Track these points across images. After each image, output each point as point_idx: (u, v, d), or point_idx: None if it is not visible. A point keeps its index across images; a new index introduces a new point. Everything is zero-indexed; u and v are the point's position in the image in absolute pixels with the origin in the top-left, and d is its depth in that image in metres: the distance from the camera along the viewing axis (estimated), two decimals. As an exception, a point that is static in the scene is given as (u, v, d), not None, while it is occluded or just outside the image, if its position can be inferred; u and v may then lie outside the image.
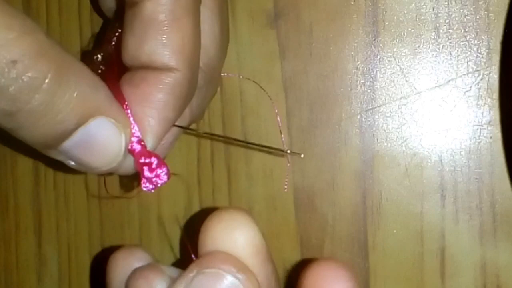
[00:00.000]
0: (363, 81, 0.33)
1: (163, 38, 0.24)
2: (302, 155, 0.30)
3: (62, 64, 0.21)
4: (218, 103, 0.34)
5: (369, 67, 0.33)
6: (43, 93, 0.21)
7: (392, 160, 0.33)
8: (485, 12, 0.31)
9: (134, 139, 0.24)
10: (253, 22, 0.34)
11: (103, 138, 0.23)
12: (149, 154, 0.24)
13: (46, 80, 0.20)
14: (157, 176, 0.25)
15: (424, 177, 0.32)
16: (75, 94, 0.21)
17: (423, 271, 0.32)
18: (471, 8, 0.32)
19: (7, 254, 0.38)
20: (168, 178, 0.25)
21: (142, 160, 0.24)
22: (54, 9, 0.36)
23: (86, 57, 0.27)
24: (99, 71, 0.27)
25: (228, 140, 0.34)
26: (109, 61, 0.27)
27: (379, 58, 0.33)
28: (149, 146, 0.24)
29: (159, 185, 0.25)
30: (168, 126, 0.25)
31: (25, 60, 0.20)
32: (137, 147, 0.24)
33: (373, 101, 0.33)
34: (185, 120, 0.27)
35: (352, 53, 0.33)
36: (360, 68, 0.33)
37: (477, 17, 0.32)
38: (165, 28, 0.24)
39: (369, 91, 0.33)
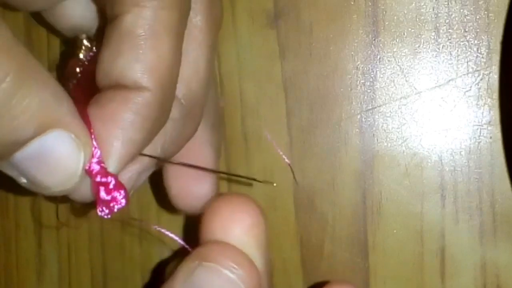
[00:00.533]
0: (363, 81, 0.33)
1: (138, 53, 0.22)
2: (275, 184, 0.29)
3: (25, 66, 0.19)
4: (218, 103, 0.34)
5: (369, 67, 0.33)
6: (0, 93, 0.19)
7: (392, 160, 0.33)
8: (485, 12, 0.31)
9: (94, 160, 0.22)
10: (253, 22, 0.34)
11: (60, 153, 0.21)
12: (106, 174, 0.22)
13: (6, 79, 0.19)
14: (114, 199, 0.23)
15: (424, 177, 0.32)
16: (35, 101, 0.20)
17: (423, 271, 0.32)
18: (471, 8, 0.32)
19: (7, 254, 0.38)
20: (127, 202, 0.23)
21: (98, 179, 0.22)
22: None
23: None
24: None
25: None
26: (78, 80, 0.26)
27: (379, 58, 0.33)
28: (111, 169, 0.22)
29: (115, 210, 0.23)
30: (133, 149, 0.23)
31: None
32: (96, 168, 0.22)
33: (373, 101, 0.33)
34: (155, 152, 0.25)
35: (352, 53, 0.33)
36: (360, 68, 0.33)
37: (477, 17, 0.32)
38: (142, 43, 0.22)
39: (369, 91, 0.33)
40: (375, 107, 0.33)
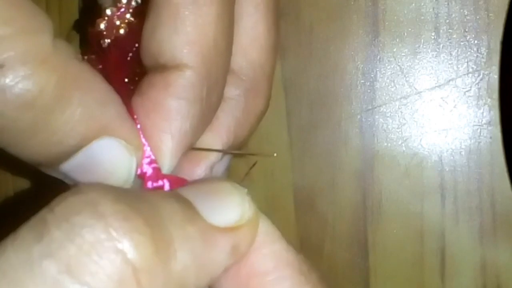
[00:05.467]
0: (363, 81, 0.33)
1: (176, 25, 0.19)
2: (275, 154, 0.27)
3: (66, 74, 0.17)
4: (218, 103, 0.34)
5: (369, 67, 0.33)
6: (36, 110, 0.17)
7: (392, 160, 0.33)
8: (485, 12, 0.31)
9: (145, 161, 0.19)
10: (253, 22, 0.34)
11: (110, 161, 0.19)
12: (158, 177, 0.20)
13: (42, 95, 0.17)
14: None
15: (424, 177, 0.32)
16: (78, 111, 0.17)
17: (423, 271, 0.32)
18: (471, 8, 0.32)
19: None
20: None
21: (150, 185, 0.20)
22: (54, 9, 0.36)
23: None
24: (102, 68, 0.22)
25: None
26: (113, 60, 0.22)
27: (379, 58, 0.33)
28: (166, 168, 0.20)
29: None
30: (185, 140, 0.20)
31: (17, 66, 0.16)
32: (149, 171, 0.19)
33: (373, 101, 0.33)
34: (223, 139, 0.23)
35: (352, 53, 0.33)
36: (360, 68, 0.33)
37: (477, 17, 0.32)
38: (181, 13, 0.19)
39: (369, 91, 0.33)
40: (375, 107, 0.33)
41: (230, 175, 0.34)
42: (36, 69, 0.16)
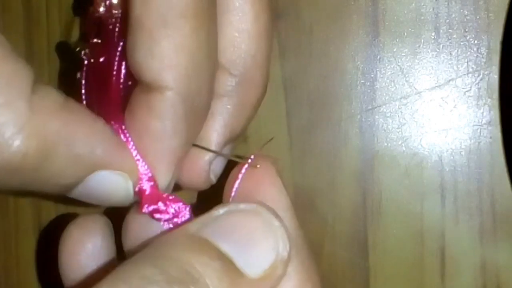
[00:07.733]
0: (363, 81, 0.33)
1: (151, 49, 0.19)
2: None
3: (46, 134, 0.18)
4: (218, 103, 0.34)
5: (369, 67, 0.33)
6: (24, 172, 0.18)
7: (392, 160, 0.33)
8: (485, 12, 0.32)
9: (145, 177, 0.21)
10: (253, 22, 0.34)
11: (107, 190, 0.20)
12: (151, 201, 0.21)
13: (26, 160, 0.17)
14: (176, 214, 0.21)
15: (424, 177, 0.32)
16: (65, 161, 0.18)
17: (423, 271, 0.32)
18: (471, 8, 0.32)
19: (7, 254, 0.37)
20: (190, 215, 0.21)
21: (145, 210, 0.21)
22: (54, 9, 0.36)
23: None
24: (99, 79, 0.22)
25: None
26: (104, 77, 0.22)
27: (379, 58, 0.33)
28: (162, 184, 0.21)
29: (179, 222, 0.21)
30: (176, 156, 0.21)
31: None
32: (147, 187, 0.21)
33: (373, 101, 0.33)
34: (221, 136, 0.23)
35: (352, 53, 0.33)
36: (360, 68, 0.33)
37: (477, 17, 0.32)
38: (154, 37, 0.19)
39: (369, 91, 0.33)
40: (375, 107, 0.33)
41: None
42: (16, 139, 0.17)
